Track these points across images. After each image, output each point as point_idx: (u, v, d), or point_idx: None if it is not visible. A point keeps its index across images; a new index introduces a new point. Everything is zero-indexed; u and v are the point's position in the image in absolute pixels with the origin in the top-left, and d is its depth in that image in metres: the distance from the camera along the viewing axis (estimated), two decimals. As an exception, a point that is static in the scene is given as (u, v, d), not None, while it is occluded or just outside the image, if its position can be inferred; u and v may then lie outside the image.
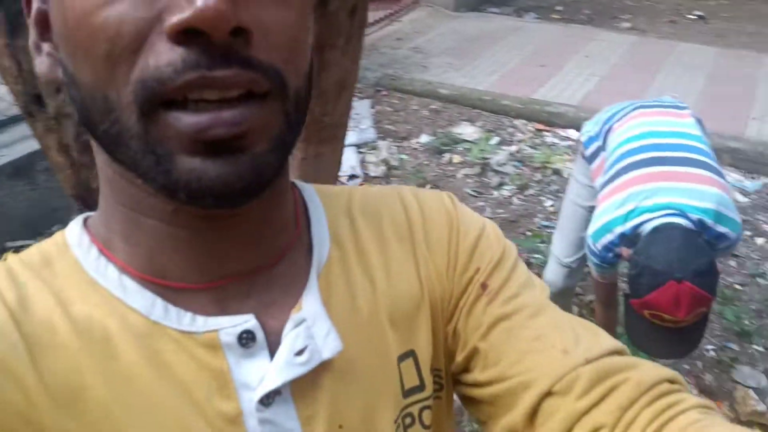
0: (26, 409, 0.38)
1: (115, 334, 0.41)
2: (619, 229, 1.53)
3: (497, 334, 0.49)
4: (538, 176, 3.72)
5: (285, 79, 0.37)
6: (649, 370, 0.47)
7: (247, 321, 0.43)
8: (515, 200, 3.50)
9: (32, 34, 0.42)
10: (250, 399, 0.42)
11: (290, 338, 0.43)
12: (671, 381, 0.47)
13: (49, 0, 0.39)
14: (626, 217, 1.52)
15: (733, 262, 2.98)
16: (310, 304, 0.46)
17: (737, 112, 4.26)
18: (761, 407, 2.18)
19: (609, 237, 1.56)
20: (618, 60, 5.15)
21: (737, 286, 2.81)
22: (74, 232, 0.46)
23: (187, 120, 0.34)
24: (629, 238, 1.52)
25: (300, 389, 0.44)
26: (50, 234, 0.46)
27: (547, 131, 4.22)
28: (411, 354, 0.50)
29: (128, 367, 0.41)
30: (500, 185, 3.62)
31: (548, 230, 3.25)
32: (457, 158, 3.81)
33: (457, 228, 0.54)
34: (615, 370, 0.46)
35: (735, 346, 2.49)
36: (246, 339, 0.42)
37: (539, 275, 2.83)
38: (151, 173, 0.36)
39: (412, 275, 0.52)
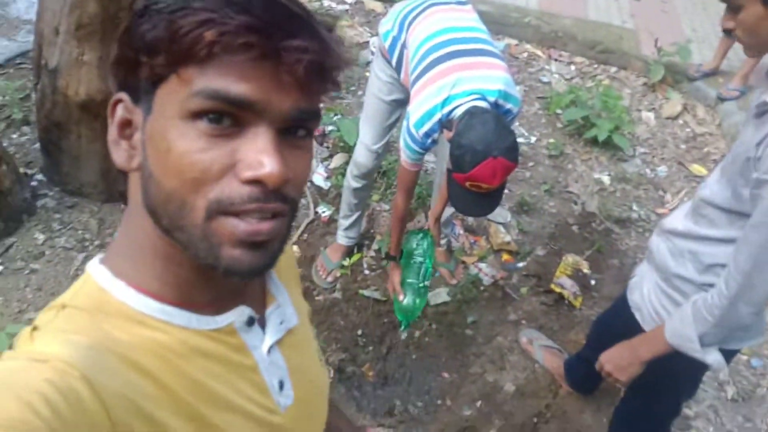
0: None
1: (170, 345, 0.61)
2: (438, 116, 1.81)
3: None
4: (322, 45, 3.92)
5: (296, 205, 0.59)
6: None
7: (246, 311, 0.67)
8: (304, 71, 3.70)
9: (112, 132, 0.57)
10: (259, 353, 0.66)
11: (275, 315, 0.70)
12: None
13: (149, 128, 0.54)
14: (443, 104, 1.80)
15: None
16: (280, 295, 0.73)
17: (485, -26, 4.79)
18: (507, 238, 2.93)
19: (429, 124, 1.83)
20: None
21: (489, 140, 3.47)
22: (108, 280, 0.59)
23: (241, 227, 0.54)
24: (444, 123, 1.82)
25: (282, 345, 0.70)
26: None
27: None
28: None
29: (186, 365, 0.61)
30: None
31: (338, 101, 3.56)
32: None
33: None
34: None
35: (488, 191, 3.19)
36: (249, 321, 0.66)
37: (336, 146, 3.20)
38: (202, 253, 0.55)
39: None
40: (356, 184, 2.48)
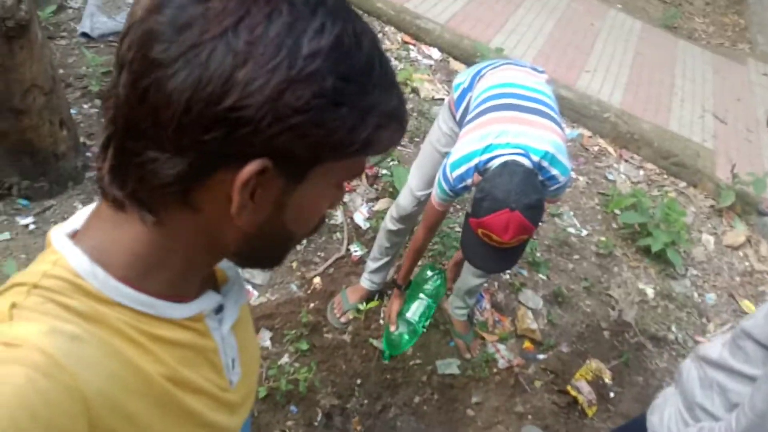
0: None
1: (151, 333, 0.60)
2: (475, 161, 1.78)
3: None
4: (397, 91, 3.96)
5: None
6: None
7: (216, 298, 0.67)
8: (374, 112, 3.73)
9: (245, 196, 0.52)
10: (219, 335, 0.67)
11: (231, 294, 0.70)
12: None
13: (297, 195, 0.56)
14: (483, 151, 1.77)
15: (540, 200, 3.57)
16: (230, 269, 0.73)
17: (574, 62, 4.80)
18: (534, 325, 2.81)
19: (465, 167, 1.80)
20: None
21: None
22: (84, 264, 0.55)
23: None
24: (480, 171, 1.78)
25: (235, 326, 0.71)
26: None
27: (413, 44, 4.43)
28: None
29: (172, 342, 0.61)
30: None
31: (399, 149, 3.56)
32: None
33: None
34: None
35: (525, 273, 3.09)
36: (218, 309, 0.67)
37: (385, 191, 3.18)
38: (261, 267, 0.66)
39: None
40: (392, 227, 2.45)
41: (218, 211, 0.54)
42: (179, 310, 0.61)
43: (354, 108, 0.51)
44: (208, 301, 0.64)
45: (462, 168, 1.81)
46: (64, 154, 2.51)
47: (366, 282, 2.65)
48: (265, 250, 0.62)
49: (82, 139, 2.77)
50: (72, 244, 0.56)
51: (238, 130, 0.48)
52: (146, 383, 0.56)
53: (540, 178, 1.76)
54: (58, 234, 0.58)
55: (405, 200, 2.37)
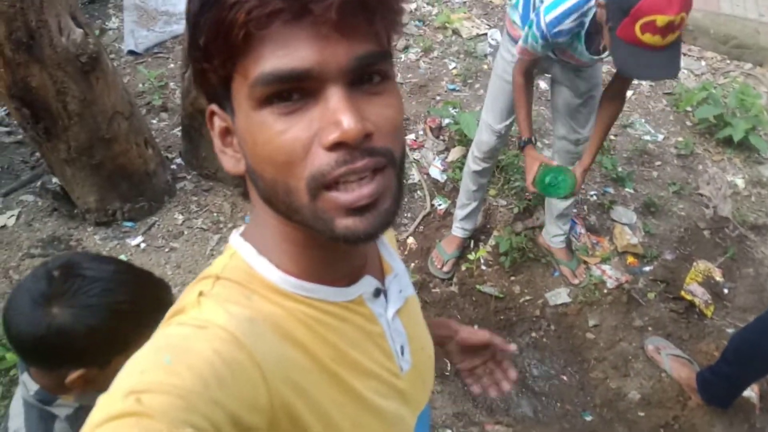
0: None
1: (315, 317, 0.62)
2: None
3: None
4: (440, 37, 3.91)
5: (394, 154, 0.56)
6: None
7: (373, 282, 0.68)
8: (422, 63, 3.71)
9: (217, 143, 0.61)
10: (385, 321, 0.69)
11: (394, 284, 0.71)
12: None
13: (237, 128, 0.56)
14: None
15: (607, 115, 3.50)
16: (396, 264, 0.74)
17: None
18: (633, 240, 2.81)
19: (562, 8, 1.73)
20: None
21: (612, 137, 3.35)
22: (253, 256, 0.62)
23: (342, 198, 0.53)
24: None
25: (400, 313, 0.71)
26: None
27: (441, -15, 4.33)
28: None
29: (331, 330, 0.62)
30: (406, 48, 3.79)
31: (455, 94, 3.55)
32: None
33: None
34: None
35: (612, 190, 3.07)
36: (376, 293, 0.68)
37: (453, 140, 3.18)
38: (319, 230, 0.56)
39: None
40: (477, 167, 2.47)
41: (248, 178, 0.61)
42: (339, 294, 0.63)
43: (202, 21, 0.52)
44: (365, 284, 0.66)
45: (558, 9, 1.74)
46: (154, 172, 2.61)
47: (458, 231, 2.71)
48: (277, 195, 0.57)
49: (163, 153, 2.87)
50: (243, 240, 0.63)
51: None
52: (316, 364, 0.59)
53: None
54: (235, 234, 0.65)
55: (485, 136, 2.38)
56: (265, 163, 0.54)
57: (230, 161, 0.60)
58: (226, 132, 0.59)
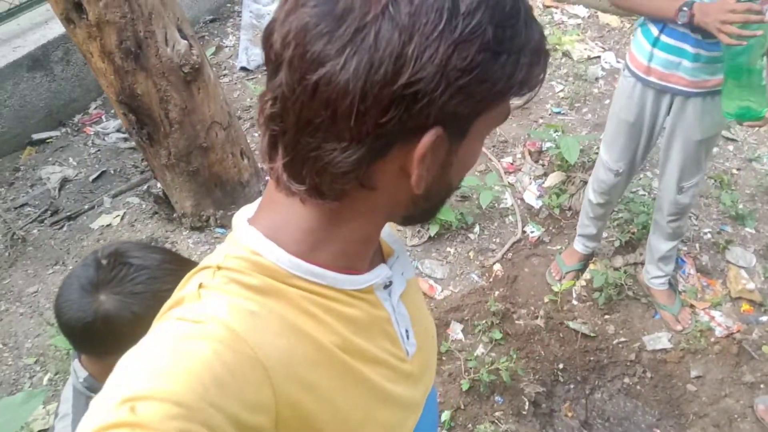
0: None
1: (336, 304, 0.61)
2: None
3: None
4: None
5: None
6: None
7: (387, 273, 0.66)
8: (526, 86, 3.58)
9: (433, 169, 0.56)
10: (390, 305, 0.67)
11: (396, 266, 0.69)
12: None
13: (460, 151, 0.56)
14: None
15: (730, 147, 3.19)
16: (396, 245, 0.72)
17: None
18: (750, 285, 2.51)
19: None
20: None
21: (734, 171, 3.04)
22: (258, 240, 0.58)
23: None
24: None
25: (403, 296, 0.70)
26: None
27: (556, 7, 4.19)
28: None
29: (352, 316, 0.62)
30: (511, 70, 3.68)
31: (559, 117, 3.39)
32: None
33: None
34: None
35: (729, 229, 2.77)
36: (387, 284, 0.67)
37: (553, 165, 3.03)
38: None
39: None
40: (594, 199, 2.36)
41: (393, 185, 0.55)
42: (352, 282, 0.61)
43: (510, 53, 0.50)
44: (377, 274, 0.64)
45: None
46: (248, 182, 2.70)
47: (579, 246, 2.59)
48: (430, 208, 0.63)
49: (260, 165, 2.97)
50: (249, 225, 0.60)
51: (414, 106, 0.48)
52: (323, 354, 0.57)
53: None
54: (239, 219, 0.62)
55: (602, 174, 2.27)
56: (464, 174, 0.61)
57: (423, 183, 0.55)
58: (435, 154, 0.54)
